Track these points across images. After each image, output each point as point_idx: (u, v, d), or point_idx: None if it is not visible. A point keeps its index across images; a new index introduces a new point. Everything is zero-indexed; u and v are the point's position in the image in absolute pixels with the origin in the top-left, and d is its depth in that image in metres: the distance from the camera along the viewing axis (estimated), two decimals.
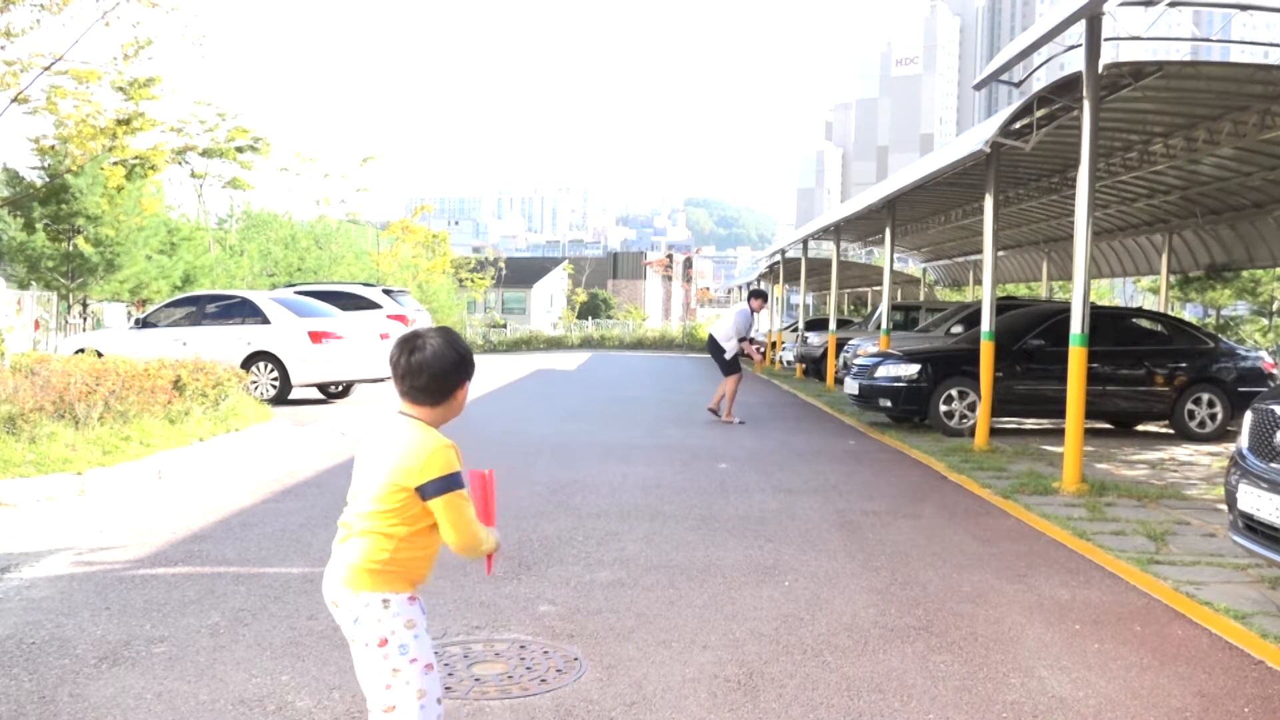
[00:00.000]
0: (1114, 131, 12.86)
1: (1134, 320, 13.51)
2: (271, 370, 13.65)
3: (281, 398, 13.55)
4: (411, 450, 2.30)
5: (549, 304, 67.26)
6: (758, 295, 13.66)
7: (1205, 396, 11.95)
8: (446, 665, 3.70)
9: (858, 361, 13.18)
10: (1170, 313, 17.32)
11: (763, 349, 13.25)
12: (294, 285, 21.77)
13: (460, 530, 2.32)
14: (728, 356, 13.08)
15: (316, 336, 13.78)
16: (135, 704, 3.31)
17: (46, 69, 12.78)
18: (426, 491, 2.28)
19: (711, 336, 13.55)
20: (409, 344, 2.40)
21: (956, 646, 4.06)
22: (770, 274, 33.32)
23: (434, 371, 2.37)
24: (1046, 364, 11.54)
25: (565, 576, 4.99)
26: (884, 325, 15.75)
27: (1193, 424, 11.92)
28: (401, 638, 2.33)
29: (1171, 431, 12.18)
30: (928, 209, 21.18)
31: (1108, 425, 12.97)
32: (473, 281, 48.03)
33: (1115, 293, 36.50)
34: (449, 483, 2.29)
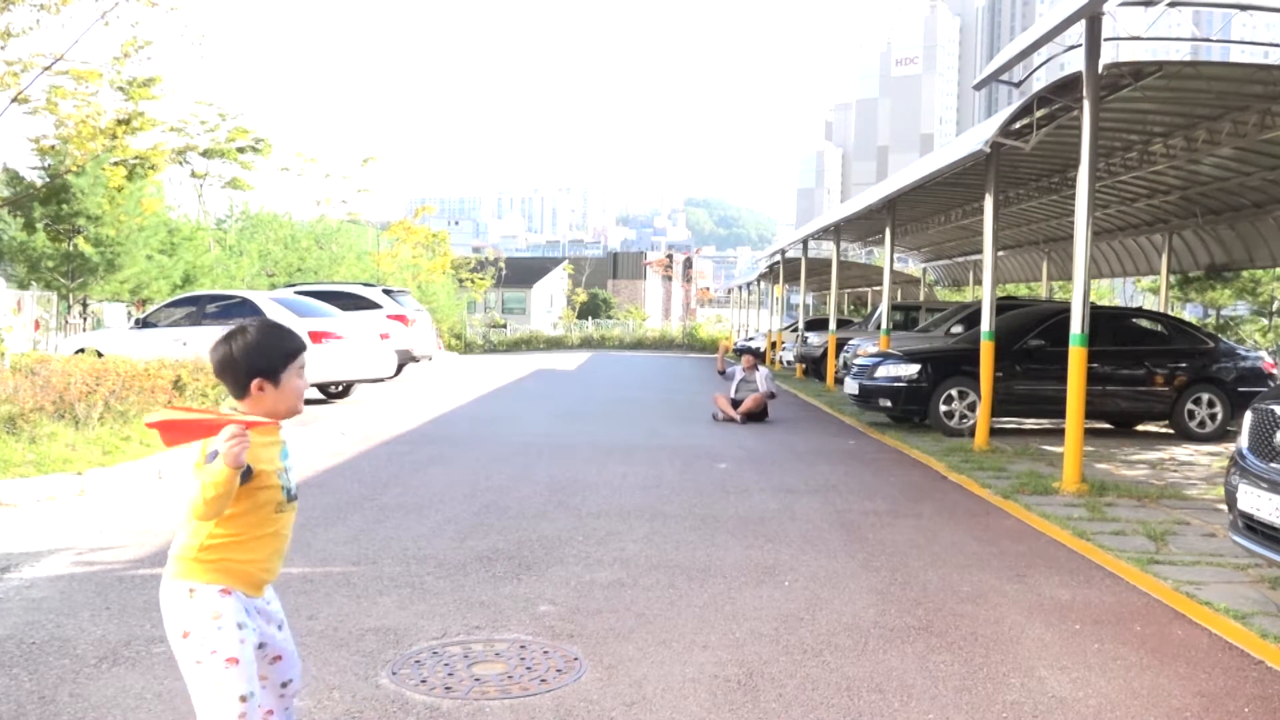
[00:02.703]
0: (1114, 131, 12.86)
1: (1134, 320, 13.52)
2: None
3: None
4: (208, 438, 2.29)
5: (549, 304, 67.25)
6: (746, 353, 13.76)
7: (1205, 396, 11.95)
8: (446, 665, 3.71)
9: (858, 361, 13.18)
10: (1170, 313, 17.32)
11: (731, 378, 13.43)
12: (294, 285, 21.75)
13: (194, 508, 2.22)
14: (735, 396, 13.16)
15: (316, 336, 13.76)
16: (135, 704, 3.31)
17: (46, 69, 12.76)
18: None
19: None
20: (215, 344, 2.45)
21: (956, 646, 4.06)
22: (770, 274, 33.30)
23: (215, 369, 2.43)
24: (1046, 364, 11.54)
25: (565, 576, 4.99)
26: (884, 325, 15.75)
27: (1193, 424, 11.92)
28: (203, 629, 2.27)
29: (1171, 431, 12.18)
30: (928, 209, 21.18)
31: (1108, 425, 12.98)
32: (473, 282, 48.04)
33: (1115, 293, 36.50)
34: (212, 456, 2.22)
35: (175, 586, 2.32)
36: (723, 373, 13.80)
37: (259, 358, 2.41)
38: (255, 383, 2.39)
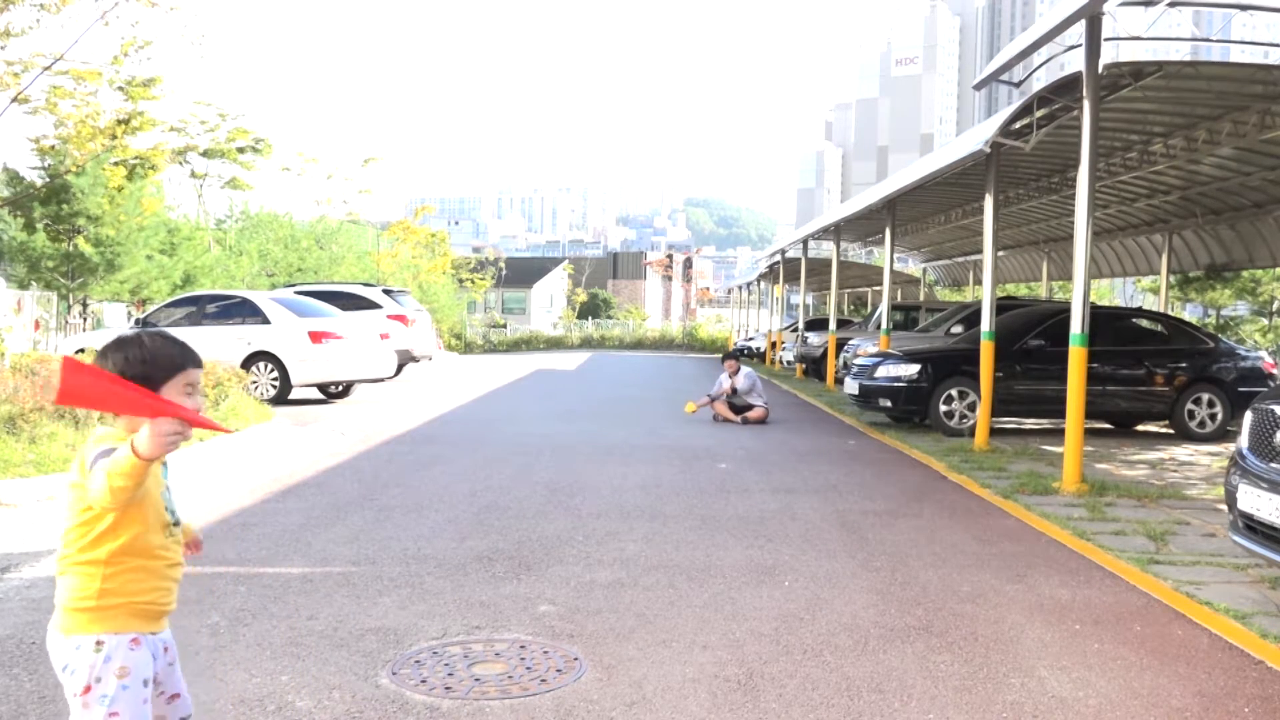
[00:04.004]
0: (1114, 131, 12.87)
1: (1134, 320, 13.51)
2: (271, 370, 13.65)
3: (281, 398, 13.55)
4: (83, 452, 2.08)
5: (549, 304, 67.26)
6: (730, 357, 13.55)
7: (1205, 396, 11.95)
8: (446, 665, 3.71)
9: (858, 361, 13.18)
10: (1170, 313, 17.32)
11: (718, 398, 13.33)
12: (294, 285, 21.76)
13: (100, 493, 1.93)
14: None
15: (316, 336, 13.78)
16: None
17: (46, 69, 12.78)
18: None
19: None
20: (96, 357, 2.16)
21: (956, 646, 4.06)
22: (770, 274, 33.30)
23: None
24: (1046, 364, 11.54)
25: (565, 576, 4.99)
26: (884, 325, 15.75)
27: (1193, 424, 11.92)
28: (107, 688, 2.07)
29: (1171, 431, 12.18)
30: (928, 209, 21.18)
31: (1108, 425, 12.97)
32: (473, 282, 48.08)
33: (1115, 293, 36.49)
34: (103, 455, 1.99)
35: (76, 641, 2.09)
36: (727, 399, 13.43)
37: (139, 365, 2.11)
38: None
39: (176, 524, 2.22)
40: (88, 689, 2.06)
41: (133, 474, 1.90)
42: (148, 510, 2.11)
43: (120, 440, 2.01)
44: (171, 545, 2.19)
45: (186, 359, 2.17)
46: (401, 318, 18.00)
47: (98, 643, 2.08)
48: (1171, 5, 8.27)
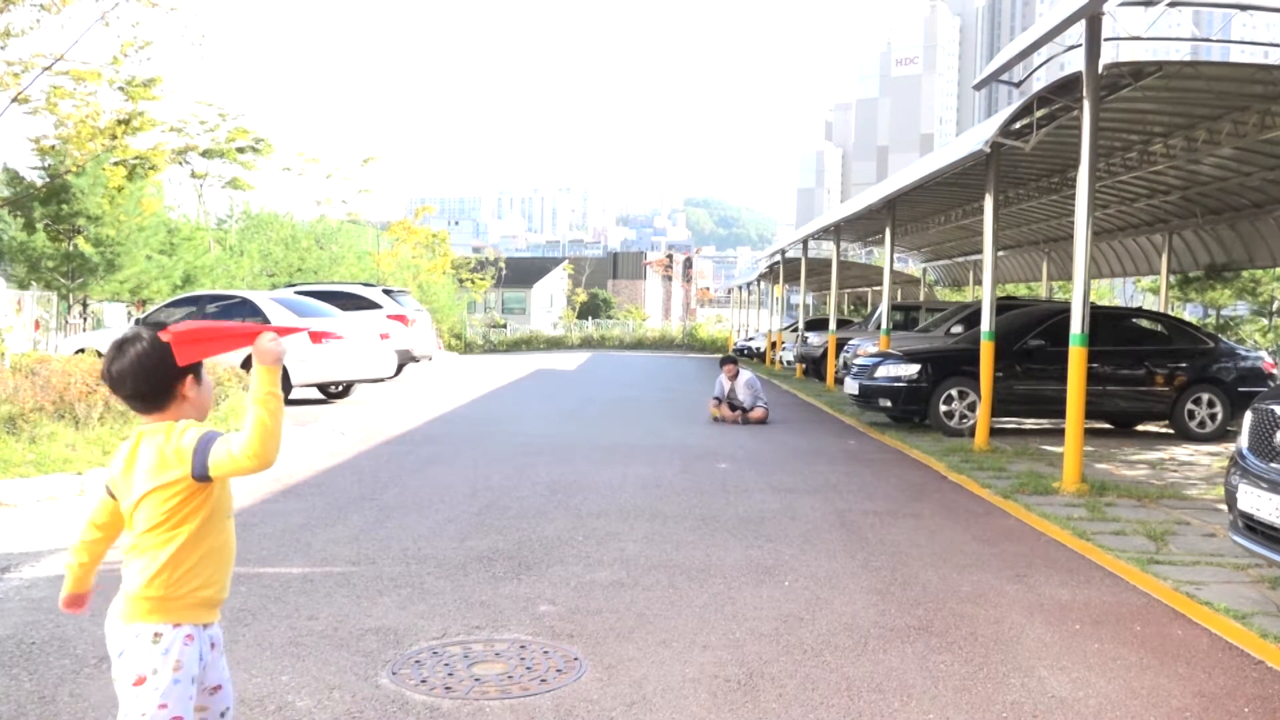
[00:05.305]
0: (1114, 131, 12.87)
1: (1134, 320, 13.51)
2: None
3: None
4: (163, 446, 2.11)
5: (549, 304, 67.25)
6: (728, 361, 13.46)
7: (1205, 396, 11.95)
8: (446, 665, 3.71)
9: (858, 361, 13.17)
10: (1170, 313, 17.32)
11: (721, 402, 13.26)
12: (294, 285, 21.77)
13: (259, 438, 2.03)
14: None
15: (316, 337, 13.78)
16: None
17: (47, 69, 12.78)
18: (196, 465, 2.06)
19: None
20: (110, 354, 2.17)
21: (956, 646, 4.06)
22: (770, 274, 33.31)
23: (131, 376, 2.14)
24: (1046, 364, 11.54)
25: (565, 576, 4.99)
26: (884, 325, 15.75)
27: (1193, 424, 11.92)
28: (161, 680, 2.10)
29: (1171, 431, 12.17)
30: (928, 209, 21.18)
31: (1108, 425, 12.97)
32: (473, 282, 48.06)
33: (1115, 293, 36.48)
34: (208, 438, 2.08)
35: (138, 629, 2.13)
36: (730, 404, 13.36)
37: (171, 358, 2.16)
38: (188, 380, 2.17)
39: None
40: (141, 679, 2.09)
41: (277, 392, 2.06)
42: (223, 491, 2.19)
43: (191, 425, 2.13)
44: (230, 525, 2.25)
45: None
46: (401, 318, 17.99)
47: (156, 634, 2.11)
48: (1171, 5, 8.27)
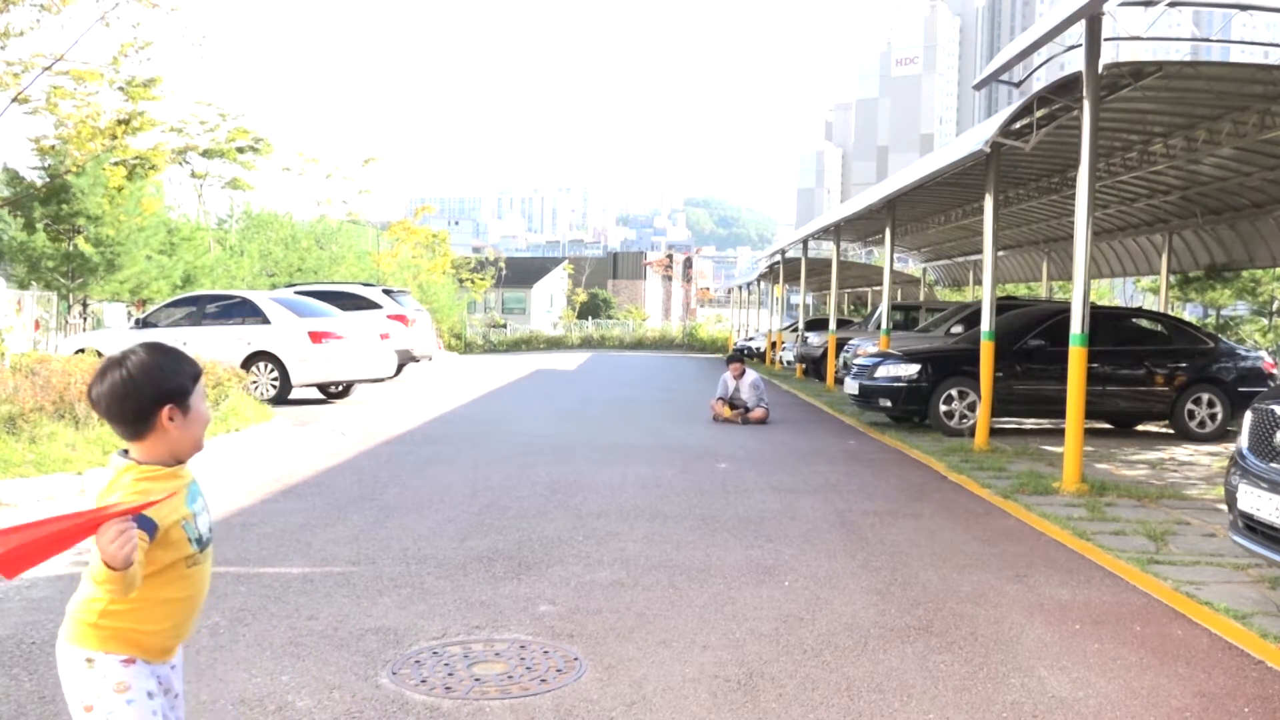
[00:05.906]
0: (1114, 131, 12.87)
1: (1134, 320, 13.51)
2: (271, 370, 13.65)
3: (281, 398, 13.55)
4: (102, 494, 1.97)
5: (549, 304, 67.24)
6: (734, 360, 13.45)
7: (1205, 396, 11.95)
8: (446, 665, 3.71)
9: (858, 361, 13.17)
10: (1170, 313, 17.32)
11: (723, 401, 13.20)
12: (294, 285, 21.76)
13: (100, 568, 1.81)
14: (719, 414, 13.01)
15: (316, 336, 13.78)
16: None
17: (47, 69, 12.78)
18: None
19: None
20: (95, 376, 2.01)
21: (956, 646, 4.06)
22: (770, 274, 33.31)
23: (106, 401, 1.98)
24: (1046, 364, 11.54)
25: (565, 576, 4.99)
26: (884, 325, 15.75)
27: (1193, 424, 11.92)
28: (109, 704, 1.93)
29: (1171, 431, 12.17)
30: (928, 209, 21.19)
31: (1108, 425, 12.97)
32: (473, 282, 48.05)
33: (1115, 293, 36.48)
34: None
35: (70, 654, 1.97)
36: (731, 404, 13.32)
37: (167, 378, 1.99)
38: (166, 410, 1.96)
39: (204, 548, 2.05)
40: (89, 708, 1.95)
41: (120, 581, 1.80)
42: (158, 551, 1.94)
43: (126, 488, 1.94)
44: (193, 576, 2.02)
45: (199, 365, 2.11)
46: (401, 318, 18.00)
47: (87, 659, 1.96)
48: (1171, 5, 8.28)
